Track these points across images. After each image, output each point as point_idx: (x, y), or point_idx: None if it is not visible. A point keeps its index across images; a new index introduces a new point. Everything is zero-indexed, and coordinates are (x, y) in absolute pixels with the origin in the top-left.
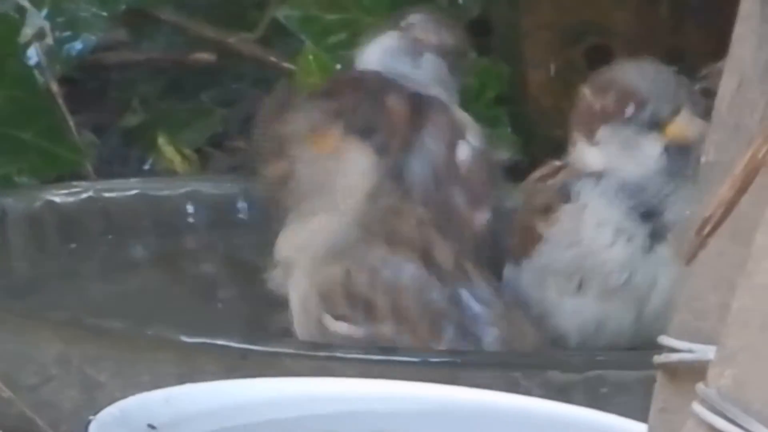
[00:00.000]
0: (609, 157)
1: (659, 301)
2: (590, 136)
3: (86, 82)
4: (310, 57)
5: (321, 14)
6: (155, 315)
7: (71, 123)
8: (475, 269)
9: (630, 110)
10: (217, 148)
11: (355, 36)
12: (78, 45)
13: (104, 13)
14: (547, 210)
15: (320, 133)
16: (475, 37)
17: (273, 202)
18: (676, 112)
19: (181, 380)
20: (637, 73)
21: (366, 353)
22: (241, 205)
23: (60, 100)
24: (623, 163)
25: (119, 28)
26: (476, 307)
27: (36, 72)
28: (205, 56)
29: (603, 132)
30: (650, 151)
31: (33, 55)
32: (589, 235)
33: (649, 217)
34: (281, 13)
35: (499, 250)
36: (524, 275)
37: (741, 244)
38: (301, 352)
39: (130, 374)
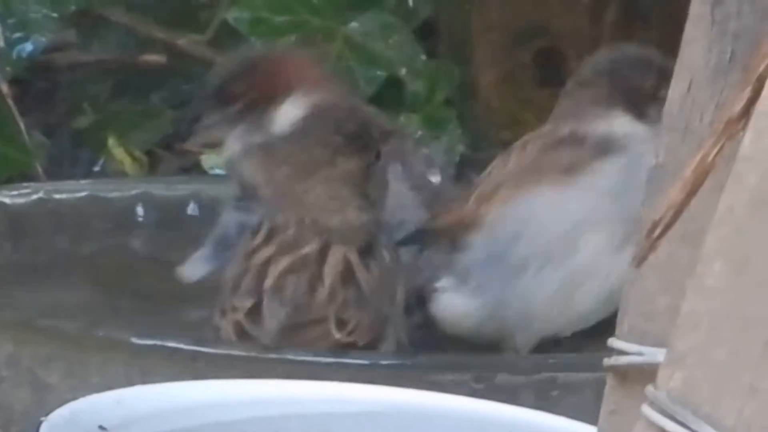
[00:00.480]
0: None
1: None
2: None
3: (36, 83)
4: None
5: (270, 16)
6: (106, 316)
7: (21, 124)
8: None
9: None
10: (167, 150)
11: (304, 38)
12: (28, 46)
13: (54, 15)
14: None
15: None
16: (424, 40)
17: None
18: None
19: (132, 382)
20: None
21: (316, 355)
22: (192, 206)
23: (10, 102)
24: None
25: (69, 30)
26: None
27: None
28: (155, 57)
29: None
30: None
31: None
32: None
33: None
34: (231, 15)
35: None
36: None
37: (690, 247)
38: (251, 354)
39: (80, 375)
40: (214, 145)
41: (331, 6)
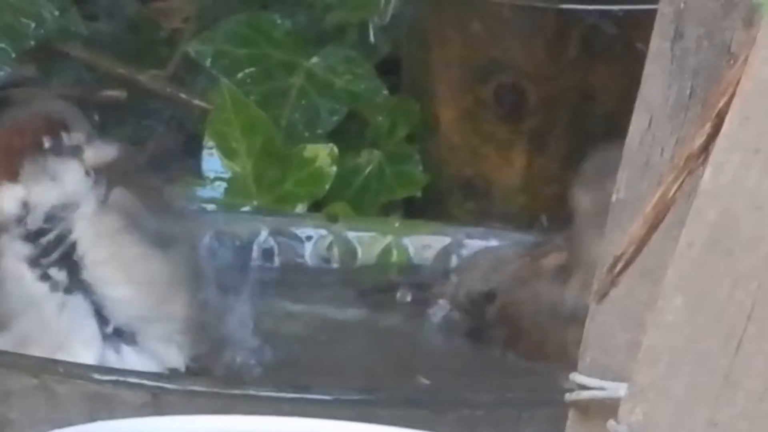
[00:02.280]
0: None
1: None
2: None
3: None
4: (226, 93)
5: (232, 49)
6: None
7: None
8: None
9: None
10: None
11: (265, 71)
12: None
13: (11, 51)
14: None
15: None
16: (385, 75)
17: None
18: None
19: (92, 417)
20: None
21: (278, 391)
22: None
23: None
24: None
25: (28, 64)
26: None
27: None
28: (116, 93)
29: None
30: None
31: None
32: None
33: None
34: (192, 48)
35: None
36: None
37: (650, 282)
38: (213, 389)
39: (40, 411)
40: None
41: (292, 40)
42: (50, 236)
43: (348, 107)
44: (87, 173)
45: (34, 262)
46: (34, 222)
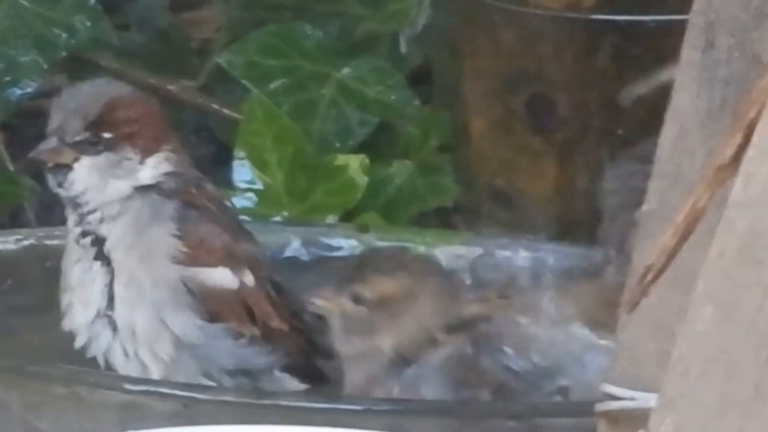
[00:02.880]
0: None
1: None
2: None
3: (26, 128)
4: (256, 104)
5: (263, 60)
6: (96, 361)
7: (10, 165)
8: None
9: None
10: None
11: (296, 82)
12: (17, 91)
13: (43, 62)
14: None
15: None
16: (417, 85)
17: None
18: None
19: (123, 427)
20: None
21: (309, 401)
22: None
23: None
24: None
25: (59, 74)
26: None
27: None
28: None
29: None
30: None
31: None
32: None
33: None
34: (223, 59)
35: None
36: None
37: (680, 292)
38: (243, 400)
39: (71, 421)
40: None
41: (323, 51)
42: None
43: (379, 118)
44: None
45: None
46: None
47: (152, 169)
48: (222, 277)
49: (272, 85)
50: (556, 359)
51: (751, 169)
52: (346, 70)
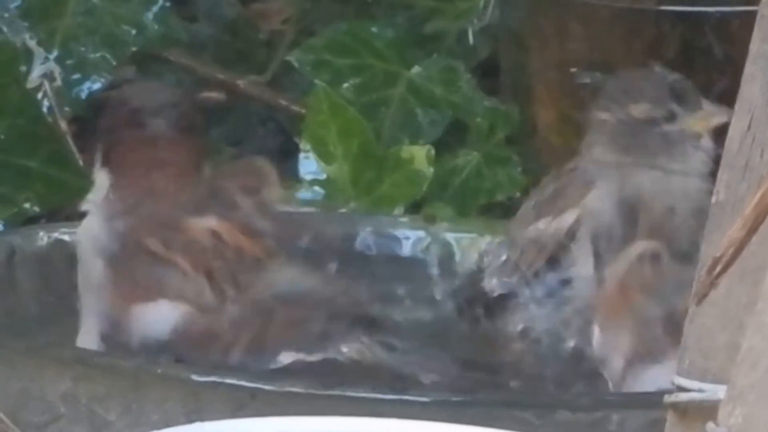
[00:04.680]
0: None
1: None
2: None
3: (95, 122)
4: (322, 96)
5: (333, 59)
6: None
7: (80, 160)
8: None
9: None
10: None
11: (368, 81)
12: (87, 86)
13: (112, 59)
14: None
15: None
16: (484, 78)
17: None
18: None
19: (190, 419)
20: None
21: (376, 391)
22: None
23: (68, 138)
24: None
25: (127, 66)
26: None
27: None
28: (215, 95)
29: None
30: None
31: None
32: None
33: None
34: (293, 57)
35: None
36: None
37: (749, 284)
38: (310, 390)
39: (138, 413)
40: None
41: (393, 50)
42: None
43: (449, 116)
44: None
45: None
46: None
47: None
48: None
49: (345, 85)
50: None
51: None
52: (416, 69)
